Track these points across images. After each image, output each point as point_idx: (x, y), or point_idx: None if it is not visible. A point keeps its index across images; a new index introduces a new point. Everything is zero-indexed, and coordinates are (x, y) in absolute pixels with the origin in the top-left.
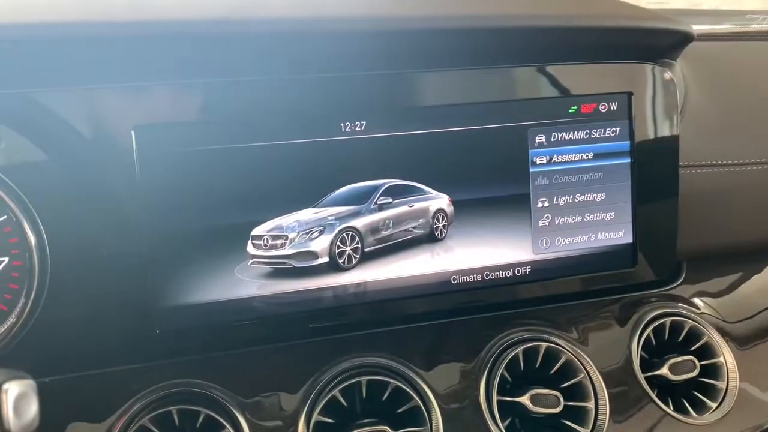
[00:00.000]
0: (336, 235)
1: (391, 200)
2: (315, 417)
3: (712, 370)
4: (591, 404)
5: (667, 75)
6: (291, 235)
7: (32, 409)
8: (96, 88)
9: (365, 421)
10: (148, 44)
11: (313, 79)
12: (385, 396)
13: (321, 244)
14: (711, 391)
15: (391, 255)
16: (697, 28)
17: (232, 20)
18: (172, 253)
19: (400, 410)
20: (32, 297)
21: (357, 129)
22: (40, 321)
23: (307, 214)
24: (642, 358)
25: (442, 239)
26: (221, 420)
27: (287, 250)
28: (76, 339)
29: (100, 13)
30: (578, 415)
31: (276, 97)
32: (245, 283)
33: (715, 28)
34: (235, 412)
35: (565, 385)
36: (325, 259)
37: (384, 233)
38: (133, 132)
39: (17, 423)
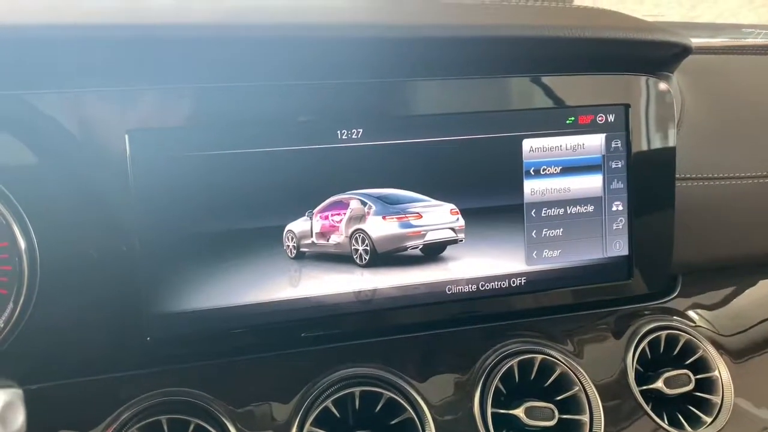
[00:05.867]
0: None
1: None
2: (307, 428)
3: (707, 384)
4: (585, 417)
5: (665, 87)
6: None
7: (19, 418)
8: (90, 92)
9: None
10: (144, 48)
11: (310, 85)
12: (378, 407)
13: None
14: (706, 406)
15: (385, 264)
16: (693, 41)
17: (228, 25)
18: (165, 259)
19: (393, 422)
20: (21, 302)
21: (354, 137)
22: (28, 327)
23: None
24: (637, 372)
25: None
26: (212, 430)
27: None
28: (66, 346)
29: (96, 16)
30: (573, 429)
31: (272, 104)
32: (238, 290)
33: (711, 42)
34: (226, 422)
35: (559, 397)
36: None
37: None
38: (126, 137)
39: None
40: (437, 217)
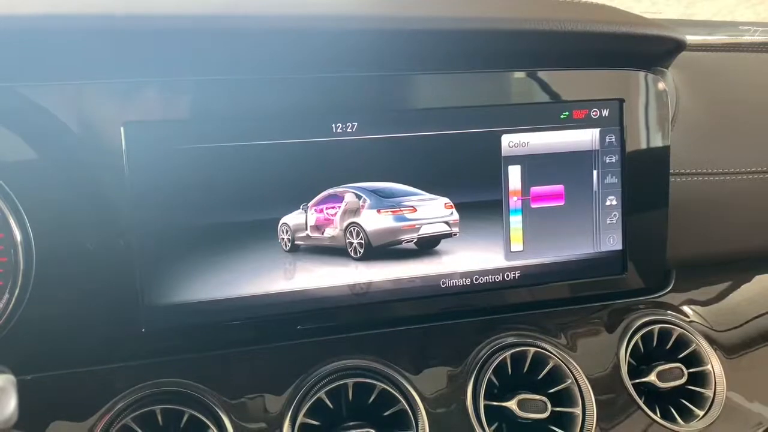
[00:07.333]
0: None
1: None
2: (300, 419)
3: (700, 378)
4: (578, 410)
5: (660, 83)
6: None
7: (10, 405)
8: (86, 84)
9: (351, 424)
10: (140, 39)
11: (305, 79)
12: (372, 399)
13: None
14: (698, 399)
15: (380, 258)
16: (690, 38)
17: (225, 16)
18: (160, 251)
19: (386, 413)
20: (16, 293)
21: (348, 130)
22: (23, 318)
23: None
24: (630, 365)
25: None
26: (205, 420)
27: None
28: (61, 337)
29: (92, 6)
30: (565, 421)
31: (267, 97)
32: (233, 282)
33: (708, 39)
34: (220, 412)
35: (552, 390)
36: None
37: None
38: (122, 129)
39: None
40: (431, 211)
